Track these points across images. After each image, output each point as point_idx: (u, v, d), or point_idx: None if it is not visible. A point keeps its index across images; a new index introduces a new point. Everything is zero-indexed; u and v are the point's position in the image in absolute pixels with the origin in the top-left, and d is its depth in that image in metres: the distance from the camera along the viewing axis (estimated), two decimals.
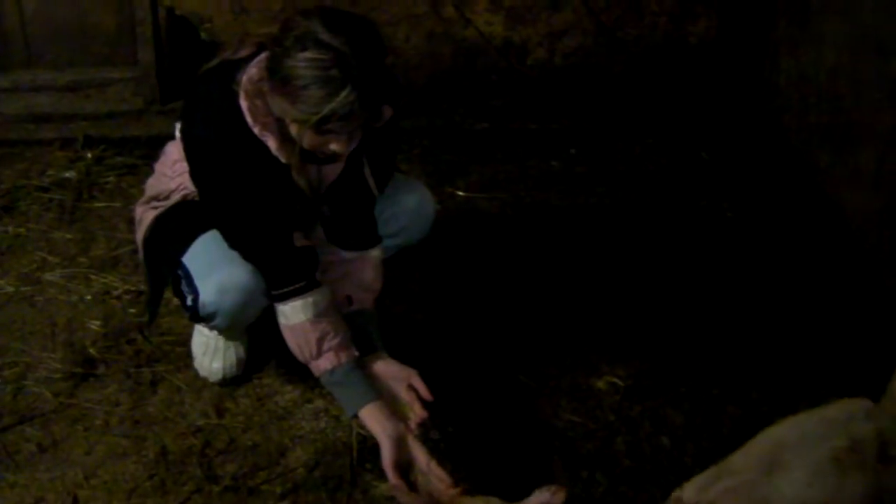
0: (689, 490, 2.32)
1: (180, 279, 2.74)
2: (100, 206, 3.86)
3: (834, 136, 3.92)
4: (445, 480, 2.48)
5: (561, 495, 2.36)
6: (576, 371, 3.12)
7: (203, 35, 4.44)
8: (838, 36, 3.86)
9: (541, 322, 3.33)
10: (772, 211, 3.95)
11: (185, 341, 3.11)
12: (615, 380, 3.09)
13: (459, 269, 3.56)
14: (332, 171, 2.68)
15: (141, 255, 2.92)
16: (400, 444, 2.53)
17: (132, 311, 3.29)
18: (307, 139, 2.40)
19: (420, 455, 2.53)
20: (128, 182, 3.98)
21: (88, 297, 3.36)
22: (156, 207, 2.84)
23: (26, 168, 4.09)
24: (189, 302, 2.72)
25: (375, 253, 2.83)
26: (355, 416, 2.61)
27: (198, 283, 2.68)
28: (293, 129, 2.41)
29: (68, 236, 3.67)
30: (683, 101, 4.61)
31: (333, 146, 2.42)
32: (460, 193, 4.03)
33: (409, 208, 2.97)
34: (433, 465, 2.51)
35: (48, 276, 3.45)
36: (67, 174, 4.03)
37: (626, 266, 3.61)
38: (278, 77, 2.33)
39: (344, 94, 2.27)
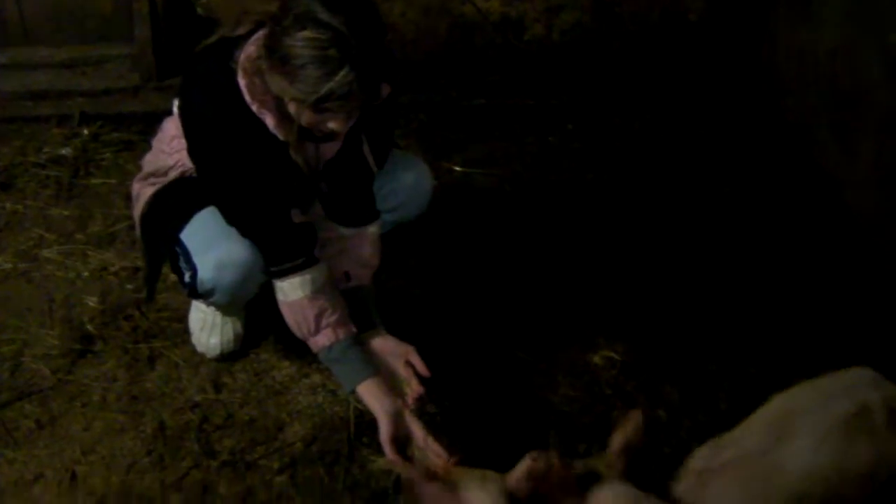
0: (696, 459, 2.34)
1: (178, 256, 2.74)
2: (96, 183, 3.85)
3: (832, 115, 3.93)
4: (442, 455, 2.49)
5: (541, 462, 2.36)
6: (572, 346, 3.14)
7: (199, 11, 4.43)
8: (838, 15, 3.85)
9: (538, 298, 3.33)
10: (769, 188, 3.96)
11: (183, 317, 3.12)
12: (612, 354, 3.10)
13: (457, 245, 3.56)
14: (331, 148, 2.67)
15: (138, 230, 2.92)
16: (397, 420, 2.55)
17: (129, 287, 3.30)
18: (305, 117, 2.40)
19: (417, 430, 2.55)
20: (124, 158, 3.98)
21: (86, 274, 3.37)
22: (154, 184, 2.84)
23: (23, 145, 4.08)
24: (187, 278, 2.73)
25: (373, 229, 2.84)
26: (353, 392, 2.63)
27: (196, 259, 2.69)
28: (291, 108, 2.40)
29: (65, 213, 3.67)
30: (682, 77, 4.61)
31: (331, 125, 2.41)
32: (457, 169, 4.03)
33: (407, 184, 2.97)
34: (430, 440, 2.52)
35: (45, 253, 3.46)
36: (64, 151, 4.02)
37: (622, 242, 3.61)
38: (277, 56, 2.32)
39: (342, 74, 2.26)
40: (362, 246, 2.81)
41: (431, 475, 2.46)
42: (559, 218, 3.74)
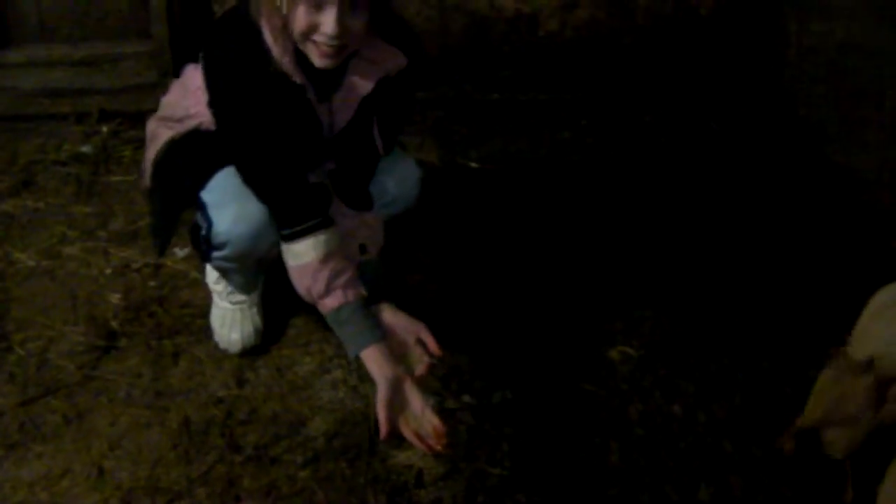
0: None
1: (195, 212, 2.78)
2: (116, 180, 3.89)
3: (843, 110, 3.95)
4: (437, 426, 2.49)
5: None
6: (589, 341, 3.17)
7: (216, 9, 4.47)
8: (850, 8, 3.88)
9: (554, 292, 3.36)
10: (781, 183, 3.98)
11: (205, 313, 3.16)
12: (628, 350, 3.13)
13: (473, 240, 3.60)
14: (344, 115, 2.71)
15: (148, 172, 2.90)
16: (395, 387, 2.51)
17: (152, 284, 3.33)
18: (301, 19, 2.42)
19: (416, 400, 2.52)
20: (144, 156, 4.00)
21: (108, 271, 3.40)
22: (171, 127, 2.85)
23: (42, 143, 4.12)
24: (202, 232, 2.75)
25: (377, 213, 2.86)
26: (357, 357, 2.59)
27: (212, 212, 2.71)
28: (290, 11, 2.43)
29: (87, 210, 3.70)
30: (693, 72, 4.64)
31: (324, 27, 2.42)
32: (473, 165, 4.06)
33: (392, 182, 2.96)
34: (428, 411, 2.51)
35: (68, 250, 3.49)
36: (84, 148, 4.06)
37: (637, 237, 3.65)
38: None
39: None
40: (371, 223, 2.81)
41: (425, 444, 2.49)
42: (574, 213, 3.77)
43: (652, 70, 4.63)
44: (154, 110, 4.16)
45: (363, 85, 2.66)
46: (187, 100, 2.85)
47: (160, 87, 4.33)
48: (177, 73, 4.29)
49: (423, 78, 2.79)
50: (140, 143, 4.00)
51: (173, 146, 2.83)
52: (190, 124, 2.82)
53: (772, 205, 3.86)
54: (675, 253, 3.57)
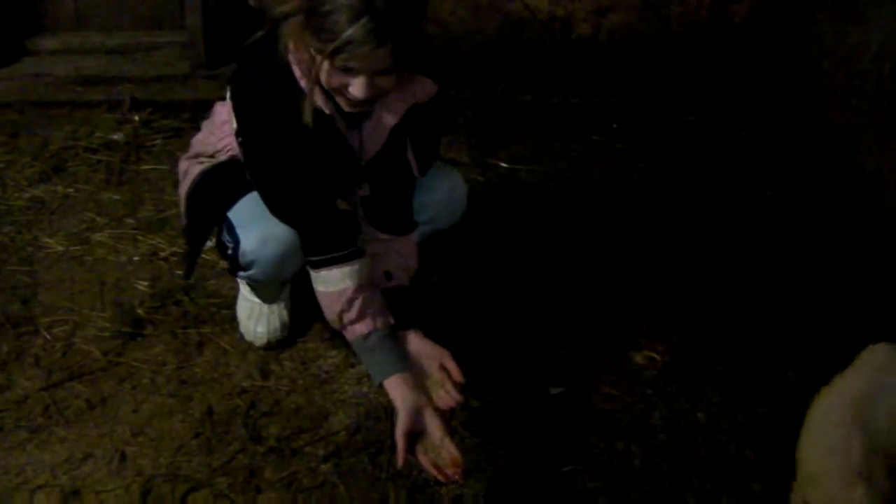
0: None
1: (222, 231, 2.77)
2: (146, 169, 3.91)
3: (877, 118, 3.93)
4: (455, 456, 2.46)
5: None
6: (615, 345, 3.16)
7: (250, 1, 4.47)
8: (886, 17, 3.85)
9: (581, 295, 3.35)
10: (812, 192, 3.97)
11: (231, 304, 3.16)
12: (653, 355, 3.12)
13: (500, 241, 3.59)
14: (374, 144, 2.67)
15: (183, 207, 2.90)
16: (416, 416, 2.49)
17: (179, 272, 3.33)
18: (331, 76, 2.38)
19: (435, 430, 2.49)
20: (174, 145, 4.02)
21: (136, 258, 3.41)
22: (202, 162, 2.85)
23: (74, 129, 4.14)
24: (229, 251, 2.75)
25: (412, 237, 2.82)
26: (380, 386, 2.58)
27: (239, 231, 2.71)
28: (322, 74, 2.38)
29: (116, 197, 3.72)
30: (726, 80, 4.62)
31: (353, 89, 2.37)
32: (503, 165, 4.06)
33: (438, 199, 2.93)
34: (446, 440, 2.48)
35: (97, 237, 3.51)
36: (115, 136, 4.08)
37: (666, 242, 3.63)
38: (308, 7, 2.32)
39: (362, 22, 2.24)
40: (402, 248, 2.78)
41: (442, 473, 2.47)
42: (603, 216, 3.76)
43: (684, 76, 4.61)
44: (185, 101, 4.25)
45: (391, 116, 2.61)
46: (215, 135, 2.85)
47: (192, 78, 4.40)
48: (209, 66, 4.38)
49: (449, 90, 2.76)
50: (171, 133, 4.07)
51: (204, 176, 2.83)
52: (220, 158, 2.82)
53: (801, 213, 3.84)
54: (703, 259, 3.56)
